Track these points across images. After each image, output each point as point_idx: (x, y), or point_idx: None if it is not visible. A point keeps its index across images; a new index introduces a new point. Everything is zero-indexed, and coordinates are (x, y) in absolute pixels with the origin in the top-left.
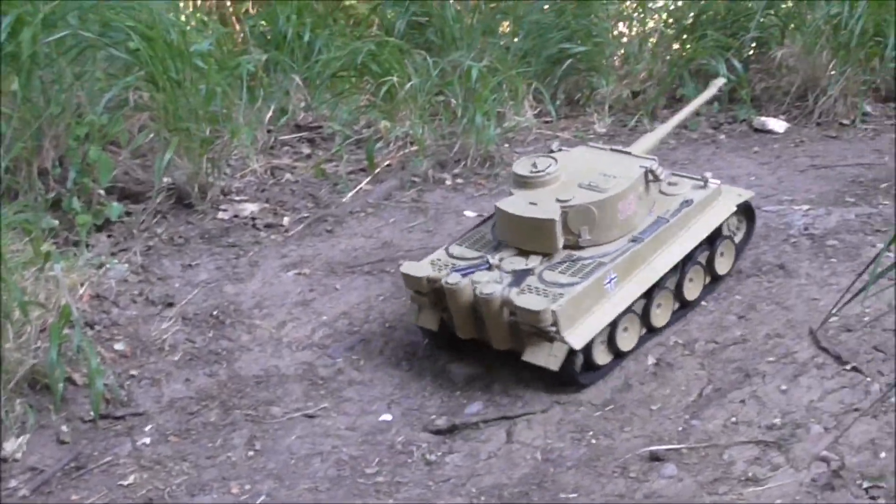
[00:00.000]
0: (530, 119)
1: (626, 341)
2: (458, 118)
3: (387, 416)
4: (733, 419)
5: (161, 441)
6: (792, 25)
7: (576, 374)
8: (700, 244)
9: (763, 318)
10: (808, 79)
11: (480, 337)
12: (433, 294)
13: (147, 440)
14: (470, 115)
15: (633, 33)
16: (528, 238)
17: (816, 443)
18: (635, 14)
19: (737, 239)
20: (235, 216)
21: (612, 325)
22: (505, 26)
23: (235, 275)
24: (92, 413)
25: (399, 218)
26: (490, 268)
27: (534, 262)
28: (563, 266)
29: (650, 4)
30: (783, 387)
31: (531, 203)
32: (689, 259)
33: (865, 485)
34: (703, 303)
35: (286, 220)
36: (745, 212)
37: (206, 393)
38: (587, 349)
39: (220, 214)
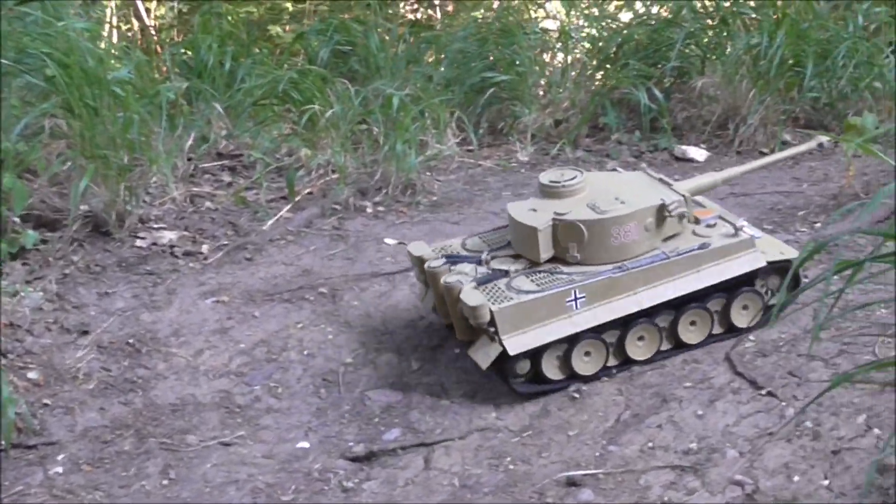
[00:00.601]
0: (453, 147)
1: (583, 365)
2: (380, 146)
3: (304, 444)
4: (650, 444)
5: (74, 470)
6: (712, 56)
7: (511, 379)
8: (709, 290)
9: None
10: (728, 108)
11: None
12: (424, 275)
13: (59, 469)
14: (391, 143)
15: (556, 63)
16: (521, 243)
17: (731, 467)
18: (558, 44)
19: (771, 299)
20: (153, 244)
21: (570, 345)
22: (430, 55)
23: (152, 303)
24: (3, 442)
25: (319, 246)
26: (480, 263)
27: (518, 266)
28: (538, 276)
29: (573, 34)
30: (699, 412)
31: (532, 210)
32: (691, 301)
33: None
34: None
35: (205, 248)
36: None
37: (120, 421)
38: (536, 360)
39: (138, 242)
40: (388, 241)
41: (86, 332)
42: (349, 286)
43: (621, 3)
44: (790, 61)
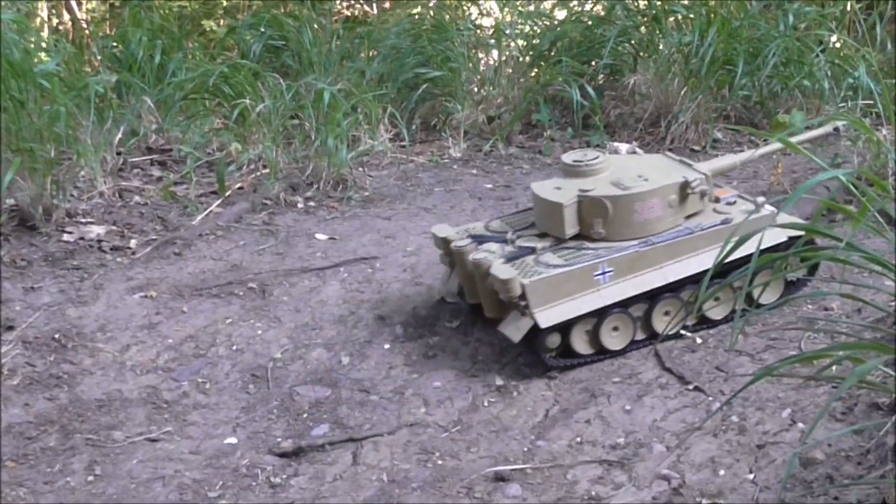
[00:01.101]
0: (385, 143)
1: (612, 340)
2: (311, 141)
3: (232, 440)
4: (578, 439)
5: None
6: (645, 53)
7: (542, 353)
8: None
9: None
10: (660, 105)
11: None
12: (450, 256)
13: None
14: (323, 138)
15: (490, 59)
16: (546, 220)
17: (658, 461)
18: (492, 41)
19: (792, 276)
20: (81, 238)
21: (599, 319)
22: (364, 51)
23: (79, 298)
24: None
25: (249, 241)
26: (506, 242)
27: (544, 244)
28: (565, 252)
29: (507, 31)
30: (627, 407)
31: (557, 188)
32: (715, 277)
33: (704, 502)
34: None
35: (133, 243)
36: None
37: (45, 417)
38: (565, 334)
39: (65, 237)
40: (319, 236)
41: (11, 328)
42: (279, 281)
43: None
44: (721, 59)
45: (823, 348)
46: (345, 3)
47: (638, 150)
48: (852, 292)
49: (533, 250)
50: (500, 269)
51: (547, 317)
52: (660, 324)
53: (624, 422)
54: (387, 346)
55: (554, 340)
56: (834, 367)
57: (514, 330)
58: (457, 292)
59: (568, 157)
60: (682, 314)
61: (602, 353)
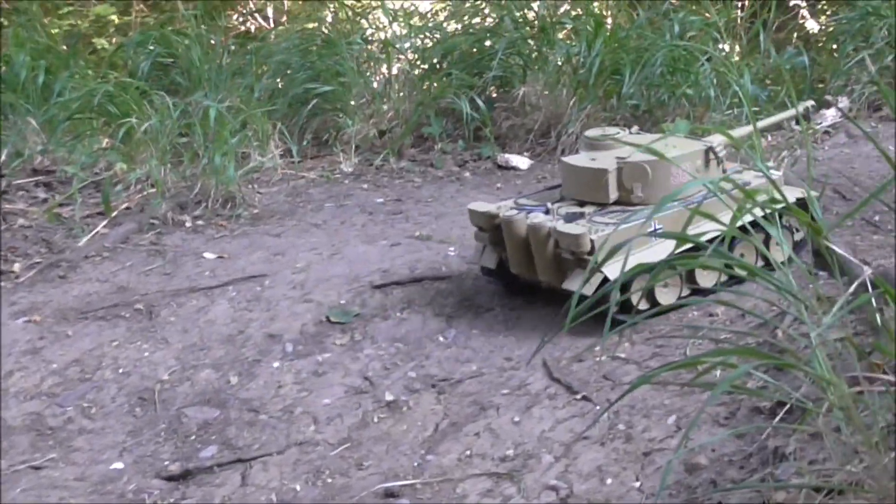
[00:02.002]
0: (276, 159)
1: (664, 296)
2: (200, 159)
3: (118, 465)
4: (468, 452)
5: None
6: (534, 65)
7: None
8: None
9: (499, 351)
10: (550, 116)
11: (529, 273)
12: (493, 231)
13: None
14: (210, 155)
15: (381, 73)
16: (586, 189)
17: (547, 472)
18: (381, 55)
19: (797, 235)
20: None
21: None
22: (254, 67)
23: None
24: None
25: (136, 261)
26: (546, 211)
27: (588, 209)
28: (612, 214)
29: (397, 45)
30: (516, 418)
31: (592, 159)
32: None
33: None
34: (440, 337)
35: (17, 267)
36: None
37: None
38: (624, 289)
39: None
40: (208, 255)
41: None
42: (166, 302)
43: (445, 11)
44: (609, 69)
45: (699, 355)
46: (240, 19)
47: (641, 132)
48: (736, 299)
49: (582, 215)
50: (569, 227)
51: (614, 270)
52: (702, 278)
53: (513, 433)
54: (276, 365)
55: (616, 295)
56: (718, 373)
57: (587, 286)
58: (495, 266)
59: (593, 133)
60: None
61: (654, 306)
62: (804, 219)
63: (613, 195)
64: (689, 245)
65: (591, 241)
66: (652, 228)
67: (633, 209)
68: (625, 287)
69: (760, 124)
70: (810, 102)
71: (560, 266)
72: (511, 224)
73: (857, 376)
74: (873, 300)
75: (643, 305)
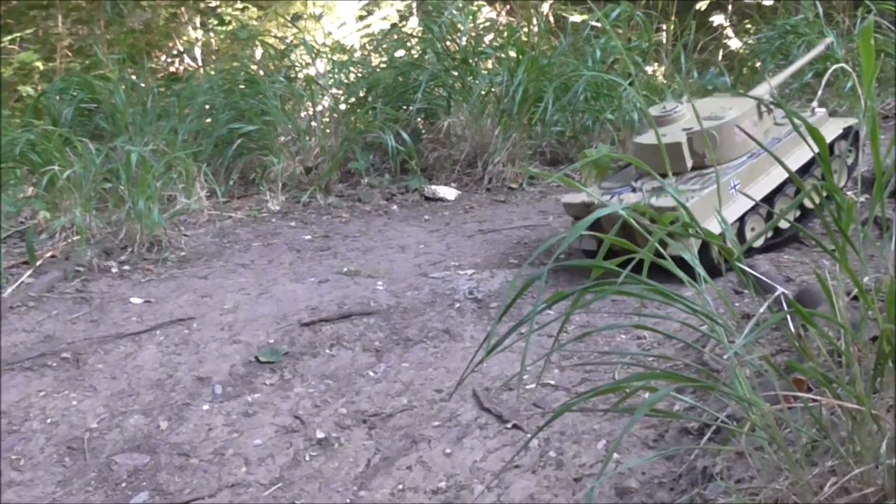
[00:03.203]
0: (202, 201)
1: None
2: (124, 204)
3: None
4: (400, 487)
5: None
6: (458, 96)
7: (713, 261)
8: (812, 160)
9: (430, 384)
10: (476, 146)
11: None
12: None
13: None
14: (134, 200)
15: (306, 110)
16: (662, 162)
17: (479, 502)
18: (305, 92)
19: (849, 160)
20: None
21: (741, 224)
22: (178, 109)
23: None
24: None
25: (62, 310)
26: (633, 190)
27: (670, 180)
28: (693, 180)
29: (321, 81)
30: (448, 450)
31: (663, 135)
32: (804, 172)
33: None
34: (370, 372)
35: None
36: (852, 136)
37: None
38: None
39: None
40: (134, 300)
41: None
42: (93, 349)
43: (371, 45)
44: (533, 97)
45: (621, 380)
46: (168, 60)
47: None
48: (659, 322)
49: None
50: (662, 201)
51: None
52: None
53: (445, 465)
54: (206, 407)
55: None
56: (647, 395)
57: (686, 249)
58: (596, 247)
59: (656, 110)
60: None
61: (749, 251)
62: (717, 242)
63: (689, 163)
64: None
65: (687, 208)
66: (732, 186)
67: (709, 171)
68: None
69: (791, 70)
70: (829, 40)
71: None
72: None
73: (782, 395)
74: (789, 318)
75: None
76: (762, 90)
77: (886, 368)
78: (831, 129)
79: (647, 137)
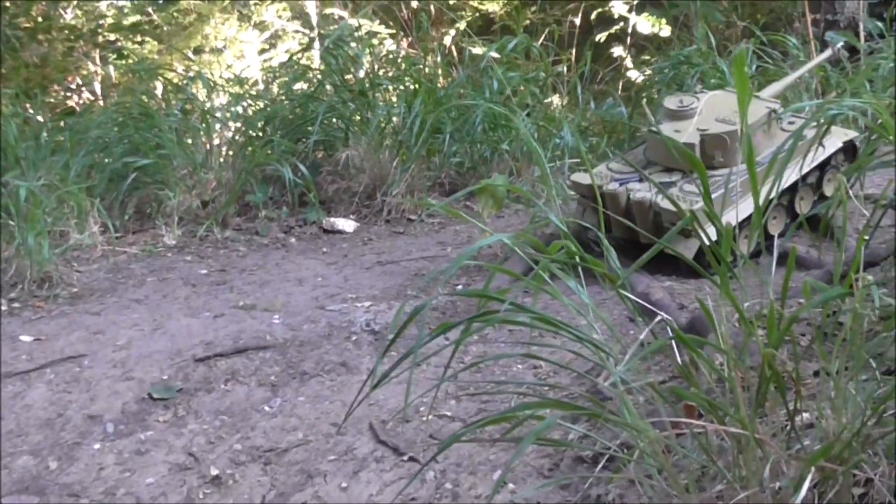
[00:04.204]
0: (95, 236)
1: (774, 226)
2: (13, 241)
3: None
4: None
5: None
6: (355, 128)
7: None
8: (812, 170)
9: (326, 417)
10: (375, 178)
11: (630, 234)
12: (594, 198)
13: None
14: (23, 236)
15: (201, 143)
16: (673, 158)
17: None
18: (202, 125)
19: (842, 169)
20: None
21: (740, 226)
22: (71, 143)
23: None
24: None
25: None
26: (641, 180)
27: (676, 177)
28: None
29: (217, 114)
30: (344, 484)
31: (676, 131)
32: (802, 180)
33: None
34: (266, 407)
35: None
36: (851, 150)
37: None
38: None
39: None
40: (24, 338)
41: None
42: None
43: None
44: (430, 129)
45: (509, 409)
46: (67, 94)
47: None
48: (556, 351)
49: (673, 183)
50: (669, 203)
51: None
52: (771, 227)
53: (341, 499)
54: (97, 447)
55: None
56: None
57: (687, 251)
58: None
59: (671, 104)
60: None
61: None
62: (600, 268)
63: None
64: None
65: (692, 211)
66: (734, 193)
67: (712, 172)
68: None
69: (797, 74)
70: (839, 44)
71: (659, 231)
72: (616, 198)
73: (670, 422)
74: (677, 345)
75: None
76: (779, 86)
77: (769, 393)
78: (831, 142)
79: (662, 129)
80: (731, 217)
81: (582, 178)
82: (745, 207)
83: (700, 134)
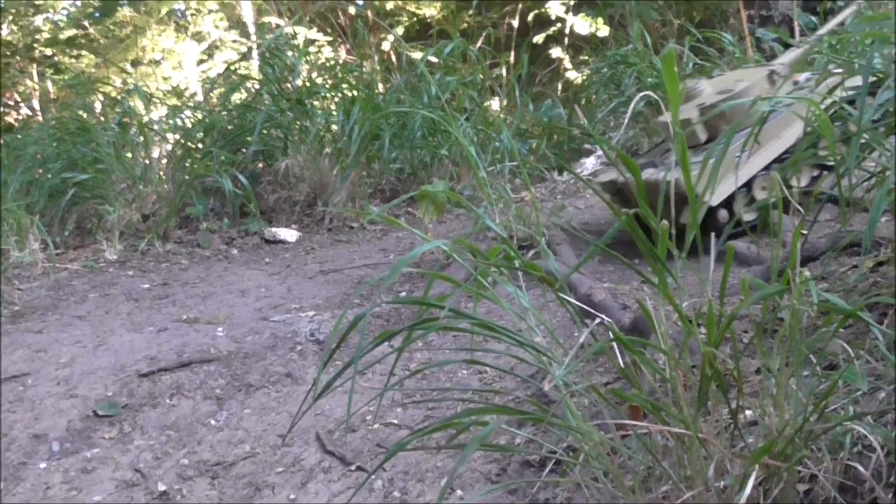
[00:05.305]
0: (35, 253)
1: (764, 194)
2: None
3: None
4: None
5: None
6: (294, 137)
7: (719, 224)
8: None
9: (272, 429)
10: (315, 186)
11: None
12: (616, 192)
13: None
14: None
15: (140, 157)
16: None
17: None
18: (139, 138)
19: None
20: None
21: (748, 184)
22: (8, 159)
23: None
24: None
25: None
26: (655, 165)
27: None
28: (703, 151)
29: (155, 127)
30: (292, 495)
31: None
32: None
33: None
34: (212, 421)
35: None
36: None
37: None
38: (728, 203)
39: None
40: None
41: None
42: None
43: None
44: (369, 135)
45: (453, 416)
46: (4, 109)
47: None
48: (496, 357)
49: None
50: (669, 175)
51: (715, 197)
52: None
53: None
54: (42, 466)
55: (724, 215)
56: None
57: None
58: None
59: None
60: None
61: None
62: (538, 272)
63: (703, 136)
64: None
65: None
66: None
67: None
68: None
69: (823, 30)
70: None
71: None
72: (630, 186)
73: (614, 424)
74: (615, 346)
75: (751, 216)
76: (787, 58)
77: (712, 391)
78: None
79: (666, 116)
80: (729, 185)
81: (605, 177)
82: (752, 168)
83: (698, 108)
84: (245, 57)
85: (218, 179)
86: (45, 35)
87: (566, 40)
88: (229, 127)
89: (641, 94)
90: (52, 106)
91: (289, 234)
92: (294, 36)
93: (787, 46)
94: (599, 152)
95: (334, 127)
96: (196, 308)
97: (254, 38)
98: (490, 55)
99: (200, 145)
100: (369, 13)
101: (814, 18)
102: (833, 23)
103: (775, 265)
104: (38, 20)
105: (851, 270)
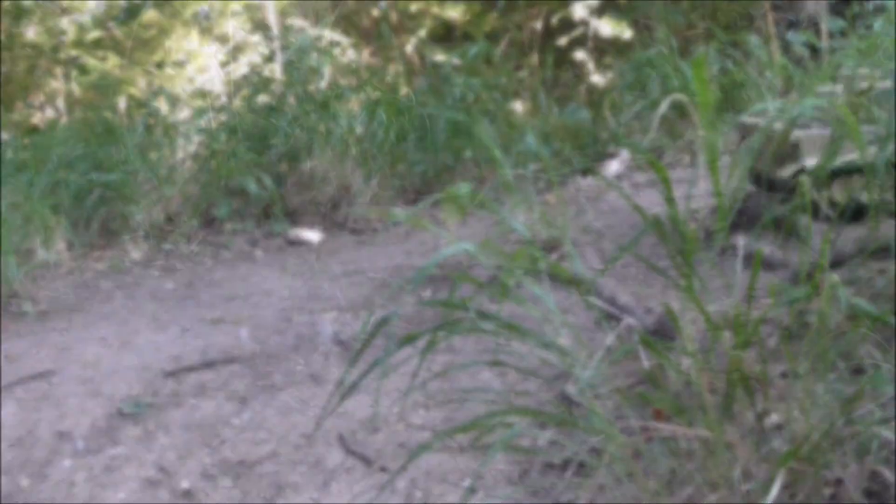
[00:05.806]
0: (62, 253)
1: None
2: None
3: None
4: None
5: None
6: (320, 138)
7: None
8: None
9: (295, 430)
10: (339, 188)
11: None
12: None
13: None
14: None
15: (164, 158)
16: None
17: None
18: (165, 140)
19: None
20: None
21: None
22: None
23: None
24: None
25: None
26: None
27: None
28: None
29: (181, 128)
30: (315, 495)
31: None
32: None
33: None
34: (235, 420)
35: None
36: None
37: None
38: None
39: None
40: None
41: None
42: None
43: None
44: (394, 138)
45: (477, 417)
46: (30, 111)
47: None
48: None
49: None
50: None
51: None
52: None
53: None
54: (67, 463)
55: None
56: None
57: None
58: None
59: None
60: None
61: None
62: (565, 275)
63: None
64: None
65: None
66: None
67: None
68: None
69: None
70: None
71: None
72: None
73: (639, 426)
74: (640, 348)
75: None
76: None
77: (738, 395)
78: None
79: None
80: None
81: None
82: None
83: None
84: (269, 59)
85: (242, 181)
86: (71, 36)
87: (590, 43)
88: (254, 129)
89: (670, 96)
90: (77, 107)
91: (313, 236)
92: (319, 38)
93: (814, 50)
94: (624, 155)
95: (358, 129)
96: (220, 308)
97: (277, 40)
98: (514, 58)
99: (225, 147)
100: (394, 14)
101: (842, 22)
102: None
103: (803, 269)
104: (64, 21)
105: (879, 275)
